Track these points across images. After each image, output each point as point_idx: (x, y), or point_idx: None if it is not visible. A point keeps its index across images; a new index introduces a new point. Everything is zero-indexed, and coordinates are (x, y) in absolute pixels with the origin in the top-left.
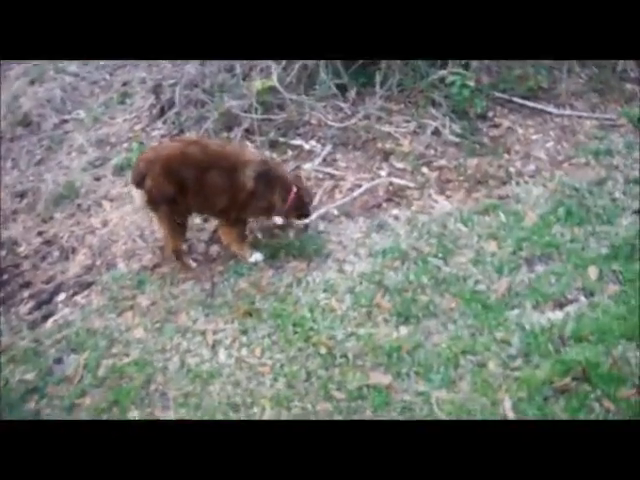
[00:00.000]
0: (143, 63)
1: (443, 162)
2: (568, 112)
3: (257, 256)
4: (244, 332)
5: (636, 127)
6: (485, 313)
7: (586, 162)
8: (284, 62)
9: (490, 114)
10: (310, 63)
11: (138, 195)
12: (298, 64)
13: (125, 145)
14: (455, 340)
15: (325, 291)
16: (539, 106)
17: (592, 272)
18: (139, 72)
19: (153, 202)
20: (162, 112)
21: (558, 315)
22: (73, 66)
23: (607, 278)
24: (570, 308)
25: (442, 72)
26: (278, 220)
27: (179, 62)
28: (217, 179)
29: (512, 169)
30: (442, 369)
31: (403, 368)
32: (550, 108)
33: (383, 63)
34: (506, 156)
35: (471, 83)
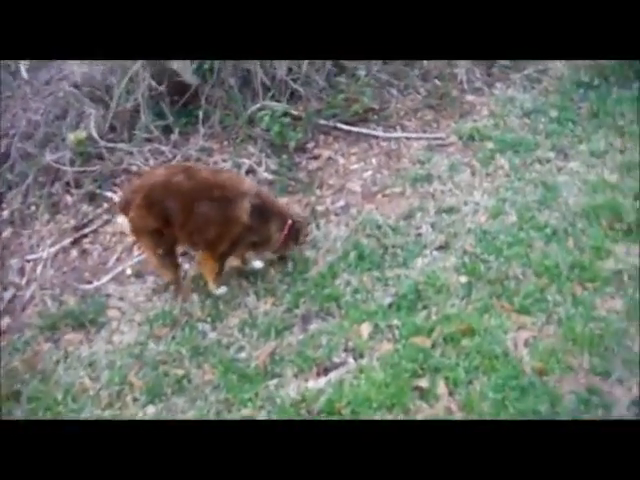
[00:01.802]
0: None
1: None
2: (395, 134)
3: (222, 289)
4: None
5: (465, 145)
6: (240, 385)
7: (402, 191)
8: (102, 110)
9: (310, 145)
10: (130, 106)
11: (124, 223)
12: (117, 109)
13: None
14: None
15: (88, 367)
16: (364, 130)
17: (365, 329)
18: None
19: (136, 232)
20: None
21: (319, 383)
22: None
23: (382, 335)
24: (334, 374)
25: (255, 106)
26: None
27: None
28: (207, 210)
29: (320, 207)
30: None
31: None
32: (377, 132)
33: (203, 100)
34: (318, 192)
35: (284, 117)
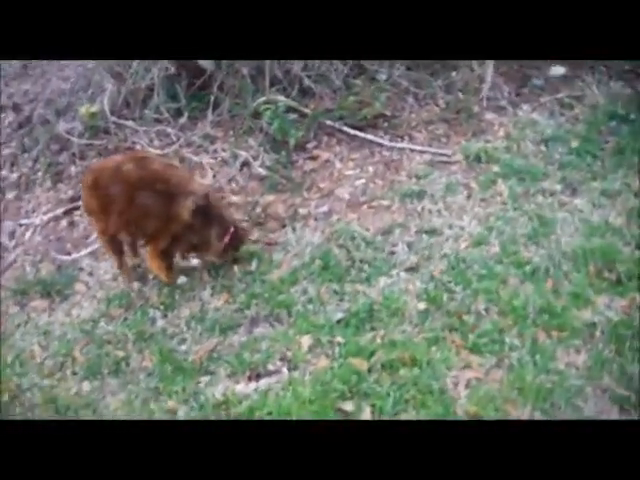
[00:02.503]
0: (32, 76)
1: (235, 199)
2: (400, 144)
3: (182, 279)
4: None
5: (469, 165)
6: (173, 377)
7: (389, 205)
8: (119, 85)
9: (311, 145)
10: (145, 85)
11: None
12: (133, 87)
13: None
14: (127, 405)
15: (42, 334)
16: (370, 137)
17: (305, 341)
18: (25, 85)
19: (85, 211)
20: (19, 129)
21: (247, 388)
22: None
23: (321, 350)
24: (264, 381)
25: (261, 99)
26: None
27: (54, 77)
28: (147, 202)
29: (303, 210)
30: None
31: None
32: (383, 140)
33: (215, 87)
34: (306, 194)
35: (288, 113)
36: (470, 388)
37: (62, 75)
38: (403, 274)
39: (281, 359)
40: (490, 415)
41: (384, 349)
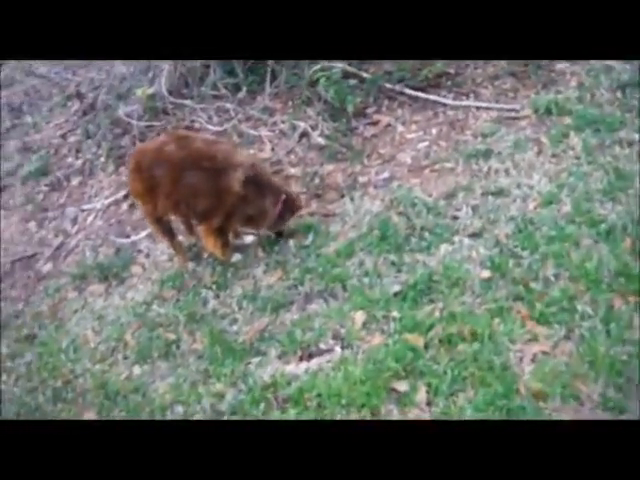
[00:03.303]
0: (97, 64)
1: (293, 171)
2: (465, 102)
3: (237, 256)
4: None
5: (539, 119)
6: (223, 359)
7: (453, 167)
8: (173, 63)
9: (371, 110)
10: (202, 63)
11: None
12: (188, 64)
13: (42, 153)
14: (175, 389)
15: (96, 319)
16: (432, 97)
17: (359, 317)
18: (91, 73)
19: (132, 195)
20: (83, 116)
21: (298, 369)
22: (43, 68)
23: (376, 326)
24: (315, 361)
25: (317, 66)
26: (250, 238)
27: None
28: (195, 181)
29: (362, 178)
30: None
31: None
32: (446, 99)
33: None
34: (366, 162)
35: (344, 79)
36: (536, 363)
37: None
38: (466, 240)
39: (334, 337)
40: (556, 393)
41: (442, 323)
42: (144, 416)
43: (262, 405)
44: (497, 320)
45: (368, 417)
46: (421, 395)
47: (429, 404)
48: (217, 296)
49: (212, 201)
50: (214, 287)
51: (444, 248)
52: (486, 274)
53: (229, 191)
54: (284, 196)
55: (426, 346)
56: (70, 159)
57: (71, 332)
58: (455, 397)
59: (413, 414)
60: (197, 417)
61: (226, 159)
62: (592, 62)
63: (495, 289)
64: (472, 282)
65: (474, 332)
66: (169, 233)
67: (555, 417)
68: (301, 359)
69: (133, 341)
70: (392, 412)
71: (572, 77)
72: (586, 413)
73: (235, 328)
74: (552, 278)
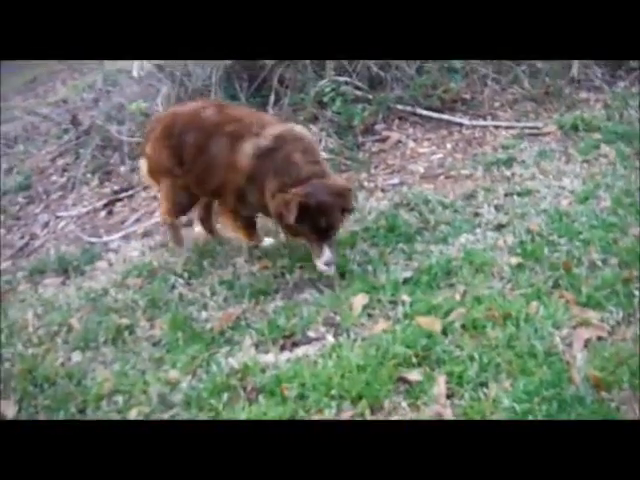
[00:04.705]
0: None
1: None
2: (484, 123)
3: (268, 240)
4: None
5: (565, 134)
6: (183, 347)
7: (470, 174)
8: (176, 87)
9: (379, 127)
10: (202, 85)
11: (143, 165)
12: (191, 86)
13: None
14: (117, 376)
15: (40, 306)
16: (446, 117)
17: (358, 301)
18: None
19: (151, 173)
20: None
21: (281, 358)
22: (45, 109)
23: (380, 312)
24: (302, 350)
25: (324, 81)
26: (269, 240)
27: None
28: (214, 150)
29: (368, 184)
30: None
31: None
32: (463, 119)
33: (275, 80)
34: (373, 171)
35: (348, 93)
36: (590, 350)
37: (127, 93)
38: (490, 233)
39: (326, 324)
40: (623, 381)
41: (465, 306)
42: (72, 407)
43: (225, 395)
44: (535, 304)
45: (366, 412)
46: (439, 387)
47: (451, 396)
48: (188, 284)
49: (220, 178)
50: (185, 275)
51: (464, 237)
52: (515, 260)
53: (235, 167)
54: (309, 189)
55: (444, 331)
56: (55, 177)
57: (10, 317)
58: (486, 387)
59: (430, 410)
60: (140, 408)
61: (251, 124)
62: (617, 91)
63: (530, 275)
64: (500, 268)
65: (506, 314)
66: (187, 210)
67: (617, 410)
68: (282, 348)
69: (79, 326)
70: (399, 407)
71: (596, 103)
72: None
73: (205, 315)
74: (599, 263)
